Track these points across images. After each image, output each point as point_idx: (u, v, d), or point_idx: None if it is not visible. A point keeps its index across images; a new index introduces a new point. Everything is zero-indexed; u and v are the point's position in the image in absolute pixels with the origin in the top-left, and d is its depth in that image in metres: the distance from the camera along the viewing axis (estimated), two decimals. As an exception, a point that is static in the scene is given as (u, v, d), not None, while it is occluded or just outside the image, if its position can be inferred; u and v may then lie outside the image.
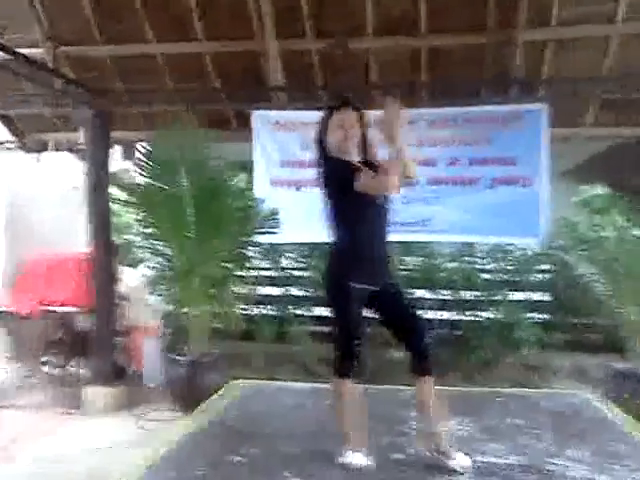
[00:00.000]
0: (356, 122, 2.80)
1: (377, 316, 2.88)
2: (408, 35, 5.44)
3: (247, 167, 5.54)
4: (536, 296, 6.43)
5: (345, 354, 2.74)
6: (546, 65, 5.49)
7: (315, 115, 5.27)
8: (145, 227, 5.51)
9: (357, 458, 2.68)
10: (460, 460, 2.66)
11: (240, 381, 4.41)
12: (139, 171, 5.11)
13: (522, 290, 6.36)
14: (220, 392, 4.09)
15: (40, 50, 5.87)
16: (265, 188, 5.45)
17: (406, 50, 5.63)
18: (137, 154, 6.83)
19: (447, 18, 5.28)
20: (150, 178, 5.09)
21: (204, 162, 5.10)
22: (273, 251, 6.30)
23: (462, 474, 2.61)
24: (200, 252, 5.04)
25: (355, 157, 2.82)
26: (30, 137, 7.03)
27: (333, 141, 2.80)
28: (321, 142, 2.86)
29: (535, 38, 5.35)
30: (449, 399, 3.83)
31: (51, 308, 5.33)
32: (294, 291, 6.48)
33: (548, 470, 2.67)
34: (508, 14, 5.14)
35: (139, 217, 5.57)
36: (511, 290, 6.29)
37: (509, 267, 6.42)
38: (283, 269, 6.55)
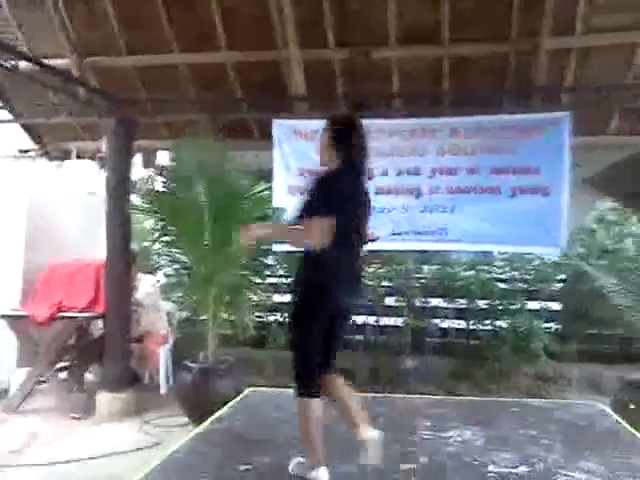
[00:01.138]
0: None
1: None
2: (431, 44, 5.44)
3: (267, 176, 5.54)
4: (553, 305, 6.37)
5: (308, 372, 2.70)
6: (569, 73, 5.45)
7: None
8: (164, 235, 5.53)
9: (323, 474, 2.68)
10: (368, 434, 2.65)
11: (252, 389, 4.41)
12: (159, 179, 5.14)
13: (539, 299, 6.32)
14: (232, 400, 4.05)
15: (66, 60, 5.94)
16: (284, 197, 5.44)
17: (428, 59, 5.63)
18: (157, 162, 6.91)
19: (470, 27, 5.27)
20: (169, 187, 5.12)
21: (223, 171, 5.11)
22: (289, 259, 6.28)
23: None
24: (217, 260, 5.04)
25: None
26: (53, 145, 7.12)
27: None
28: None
29: (559, 46, 5.31)
30: (462, 408, 3.83)
31: (68, 314, 5.33)
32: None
33: None
34: (532, 22, 5.11)
35: (158, 225, 5.61)
36: (528, 299, 6.26)
37: (526, 276, 6.36)
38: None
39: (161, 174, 5.19)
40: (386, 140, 5.39)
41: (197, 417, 4.41)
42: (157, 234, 5.74)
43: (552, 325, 6.23)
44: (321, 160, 2.95)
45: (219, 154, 5.10)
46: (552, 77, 5.42)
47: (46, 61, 5.25)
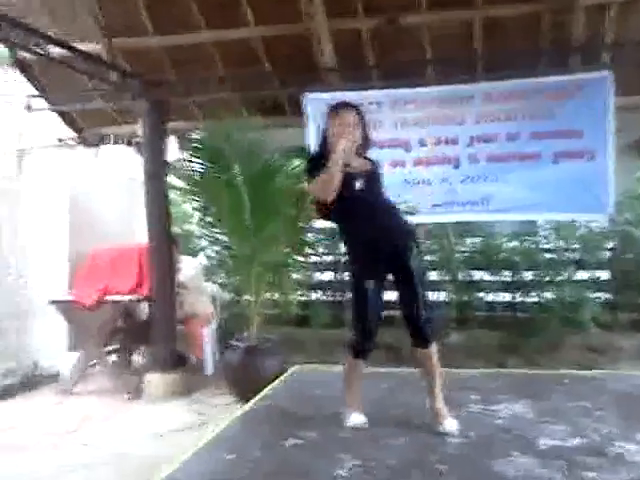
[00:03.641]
0: (355, 123, 2.92)
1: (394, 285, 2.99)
2: (461, 7, 5.29)
3: (302, 153, 5.48)
4: (602, 274, 6.17)
5: (358, 337, 2.94)
6: (609, 30, 5.23)
7: (368, 95, 5.31)
8: (204, 216, 5.56)
9: (357, 418, 2.96)
10: (448, 424, 2.80)
11: (298, 366, 4.40)
12: (192, 160, 5.14)
13: (587, 269, 6.11)
14: (278, 378, 4.08)
15: (95, 44, 5.97)
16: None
17: (460, 23, 5.49)
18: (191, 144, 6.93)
19: (502, -14, 5.08)
20: (203, 167, 5.11)
21: (256, 149, 5.06)
22: (331, 235, 6.23)
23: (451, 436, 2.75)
24: (259, 239, 5.03)
25: (352, 158, 2.90)
26: (89, 132, 7.21)
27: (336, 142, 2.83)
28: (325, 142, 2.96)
29: (595, 1, 5.09)
30: (511, 382, 3.76)
31: (114, 298, 5.44)
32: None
33: (616, 453, 2.53)
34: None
35: (197, 206, 5.63)
36: (575, 269, 6.06)
37: (573, 245, 6.18)
38: (338, 254, 6.48)
39: (194, 155, 5.16)
40: (421, 110, 5.30)
41: (244, 395, 4.45)
42: (197, 216, 5.76)
43: (602, 295, 6.04)
44: (352, 140, 2.88)
45: (252, 132, 5.06)
46: (590, 35, 5.23)
47: (76, 46, 5.28)
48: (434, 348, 2.89)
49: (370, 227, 2.87)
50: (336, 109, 2.95)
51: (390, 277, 2.97)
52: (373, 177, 2.97)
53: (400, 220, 3.03)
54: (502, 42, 5.43)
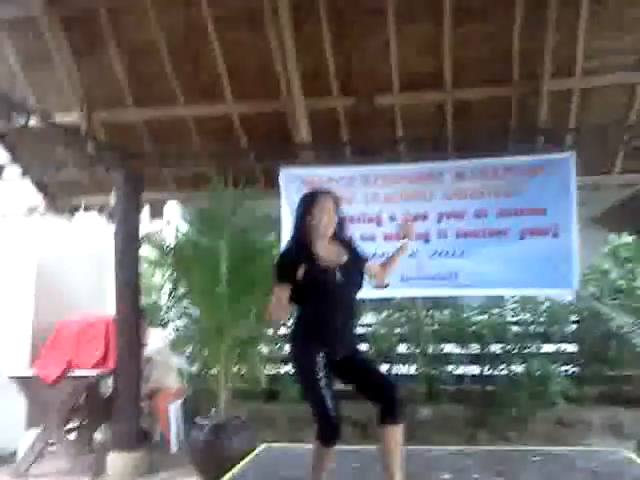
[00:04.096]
0: (333, 209, 2.99)
1: (348, 383, 3.00)
2: (433, 90, 5.51)
3: (275, 225, 5.53)
4: (568, 348, 6.23)
5: (322, 427, 2.86)
6: (572, 114, 5.50)
7: (341, 171, 5.43)
8: (175, 287, 5.49)
9: None
10: None
11: (266, 445, 4.27)
12: (171, 232, 5.14)
13: (553, 342, 6.19)
14: (246, 457, 3.93)
15: (74, 116, 6.02)
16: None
17: (432, 104, 5.70)
18: (168, 214, 6.93)
19: (472, 72, 5.35)
20: (189, 236, 5.13)
21: (241, 221, 5.12)
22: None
23: None
24: (231, 312, 4.98)
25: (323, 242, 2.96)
26: (62, 200, 7.16)
27: (317, 224, 2.92)
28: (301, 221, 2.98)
29: (560, 88, 5.38)
30: (482, 459, 3.70)
31: (78, 373, 5.25)
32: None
33: None
34: (533, 66, 5.20)
35: (169, 277, 5.57)
36: (542, 342, 6.14)
37: (540, 319, 6.26)
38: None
39: (173, 225, 5.19)
40: (393, 186, 5.41)
41: (210, 476, 4.29)
42: (168, 288, 5.70)
43: (569, 368, 6.08)
44: (329, 227, 2.96)
45: (235, 204, 5.11)
46: (555, 118, 5.47)
47: (55, 115, 5.33)
48: (401, 426, 2.84)
49: (332, 322, 2.89)
50: (314, 196, 3.01)
51: (344, 383, 2.99)
52: (349, 268, 2.95)
53: (355, 324, 3.12)
54: (471, 123, 5.66)
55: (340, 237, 3.04)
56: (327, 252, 2.92)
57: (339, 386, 2.94)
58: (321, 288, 2.86)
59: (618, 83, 5.35)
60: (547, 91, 5.29)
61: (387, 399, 2.83)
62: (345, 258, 2.95)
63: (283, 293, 2.80)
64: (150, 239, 5.65)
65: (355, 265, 3.00)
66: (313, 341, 2.88)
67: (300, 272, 2.80)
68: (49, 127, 5.06)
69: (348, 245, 3.06)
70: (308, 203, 2.98)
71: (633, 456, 3.79)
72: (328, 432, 2.84)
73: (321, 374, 2.81)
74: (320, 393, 2.80)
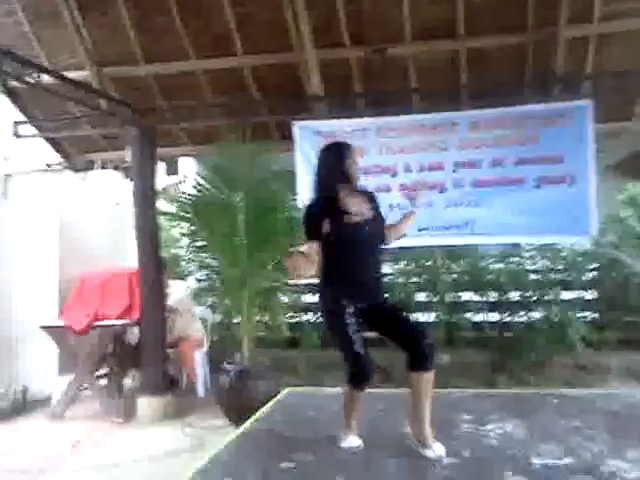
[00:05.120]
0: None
1: (378, 331, 3.06)
2: (446, 39, 5.45)
3: (290, 178, 5.59)
4: (587, 294, 6.30)
5: (353, 370, 2.93)
6: (589, 61, 5.42)
7: (354, 123, 5.45)
8: (194, 240, 5.62)
9: (353, 440, 3.04)
10: (437, 448, 2.83)
11: (289, 389, 4.42)
12: (189, 185, 5.21)
13: (572, 289, 6.24)
14: (270, 401, 4.10)
15: (85, 72, 6.05)
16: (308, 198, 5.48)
17: (445, 54, 5.64)
18: (182, 169, 6.99)
19: (485, 19, 5.26)
20: (206, 189, 5.20)
21: (259, 174, 5.17)
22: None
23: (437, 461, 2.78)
24: (251, 263, 5.10)
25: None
26: (77, 157, 7.25)
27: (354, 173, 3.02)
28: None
29: (577, 34, 5.29)
30: (501, 401, 3.83)
31: (104, 322, 5.46)
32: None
33: (608, 472, 2.59)
34: (548, 11, 5.09)
35: (188, 231, 5.69)
36: (561, 289, 6.18)
37: (558, 266, 6.31)
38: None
39: (191, 179, 5.26)
40: (407, 137, 5.41)
41: (236, 418, 4.48)
42: (187, 240, 5.81)
43: (588, 314, 6.14)
44: (356, 176, 3.05)
45: (252, 157, 5.16)
46: (572, 66, 5.39)
47: (66, 74, 5.36)
48: (432, 372, 2.90)
49: (358, 275, 2.95)
50: (349, 147, 3.07)
51: (375, 331, 3.05)
52: (376, 221, 3.01)
53: (381, 278, 3.13)
54: (486, 72, 5.59)
55: (360, 189, 3.10)
56: (355, 205, 2.95)
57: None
58: (350, 241, 2.91)
59: (636, 28, 5.21)
60: (564, 38, 5.20)
61: (418, 347, 2.86)
62: (371, 211, 3.00)
63: (312, 249, 2.82)
64: (167, 193, 5.74)
65: (379, 218, 3.06)
66: (341, 291, 2.93)
67: (326, 225, 2.85)
68: (61, 83, 5.08)
69: (371, 198, 3.10)
70: (344, 153, 3.02)
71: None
72: (359, 375, 2.92)
73: (350, 320, 2.87)
74: (350, 339, 2.85)
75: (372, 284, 3.03)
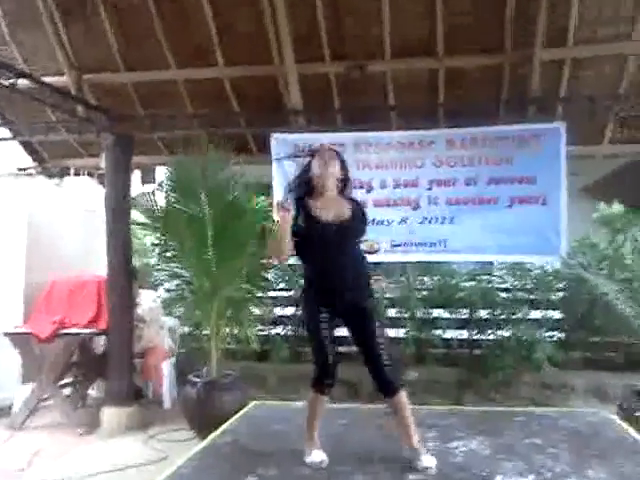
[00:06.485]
0: (332, 159, 3.09)
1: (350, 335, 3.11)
2: (425, 57, 5.52)
3: (267, 189, 5.58)
4: (555, 314, 6.35)
5: (318, 372, 3.01)
6: (564, 84, 5.54)
7: (332, 137, 5.46)
8: (165, 250, 5.55)
9: (318, 455, 3.02)
10: (426, 460, 2.87)
11: (256, 402, 4.39)
12: (160, 195, 5.16)
13: (540, 308, 6.29)
14: (237, 414, 4.05)
15: (64, 78, 6.00)
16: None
17: (424, 72, 5.71)
18: (158, 178, 6.93)
19: (464, 39, 5.35)
20: (172, 201, 5.15)
21: (225, 184, 5.13)
22: (292, 272, 6.29)
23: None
24: (221, 274, 5.05)
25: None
26: (52, 162, 7.16)
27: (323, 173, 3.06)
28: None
29: (552, 57, 5.40)
30: (467, 418, 3.84)
31: (70, 330, 5.34)
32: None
33: None
34: (525, 34, 5.20)
35: (159, 240, 5.62)
36: (530, 308, 6.23)
37: (528, 285, 6.38)
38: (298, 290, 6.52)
39: (163, 189, 5.20)
40: (383, 153, 5.46)
41: (202, 431, 4.40)
42: (158, 250, 5.74)
43: (555, 334, 6.19)
44: (331, 186, 3.07)
45: (220, 167, 5.13)
46: (547, 88, 5.50)
47: (44, 79, 5.30)
48: (402, 393, 2.96)
49: (330, 277, 2.99)
50: (317, 151, 3.15)
51: (347, 332, 3.09)
52: (347, 228, 3.03)
53: (361, 277, 3.10)
54: (463, 91, 5.68)
55: (347, 195, 3.15)
56: (326, 206, 3.01)
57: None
58: (318, 241, 2.98)
59: (610, 53, 5.36)
60: (539, 60, 5.30)
61: (379, 378, 2.96)
62: (347, 215, 3.03)
63: (284, 223, 2.88)
64: (139, 202, 5.67)
65: (357, 221, 3.09)
66: (315, 292, 3.05)
67: (301, 218, 2.94)
68: (38, 88, 5.02)
69: (354, 204, 3.13)
70: (314, 154, 3.12)
71: (612, 417, 3.90)
72: (321, 378, 2.99)
73: (323, 325, 2.98)
74: (321, 343, 2.97)
75: (349, 285, 3.01)
